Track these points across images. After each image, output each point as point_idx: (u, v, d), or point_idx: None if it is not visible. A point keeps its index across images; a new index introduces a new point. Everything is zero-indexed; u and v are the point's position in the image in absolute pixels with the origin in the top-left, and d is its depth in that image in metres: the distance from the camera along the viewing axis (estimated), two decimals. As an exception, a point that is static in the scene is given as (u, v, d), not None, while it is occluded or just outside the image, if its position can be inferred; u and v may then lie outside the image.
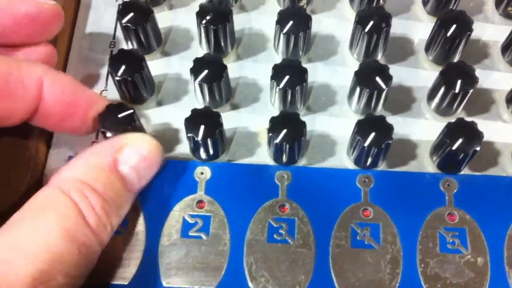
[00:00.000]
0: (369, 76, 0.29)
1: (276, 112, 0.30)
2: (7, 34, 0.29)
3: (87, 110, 0.28)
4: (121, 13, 0.31)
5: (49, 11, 0.29)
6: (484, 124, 0.28)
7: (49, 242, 0.23)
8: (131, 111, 0.28)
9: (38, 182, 0.30)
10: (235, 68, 0.33)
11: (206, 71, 0.29)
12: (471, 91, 0.29)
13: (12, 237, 0.23)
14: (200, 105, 0.31)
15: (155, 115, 0.32)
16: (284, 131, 0.27)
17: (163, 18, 0.34)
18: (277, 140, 0.27)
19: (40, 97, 0.27)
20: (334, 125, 0.31)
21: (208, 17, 0.31)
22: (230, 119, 0.31)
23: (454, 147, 0.27)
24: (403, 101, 0.32)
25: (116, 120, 0.28)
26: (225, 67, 0.29)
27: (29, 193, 0.25)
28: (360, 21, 0.30)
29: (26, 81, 0.27)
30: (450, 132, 0.27)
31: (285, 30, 0.30)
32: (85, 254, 0.24)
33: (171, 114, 0.32)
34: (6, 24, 0.28)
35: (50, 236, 0.23)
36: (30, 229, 0.23)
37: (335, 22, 0.34)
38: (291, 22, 0.30)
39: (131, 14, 0.31)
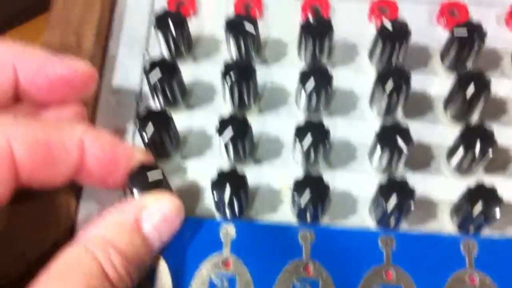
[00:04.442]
0: (390, 137, 0.29)
1: (298, 168, 0.31)
2: (40, 95, 0.30)
3: (127, 165, 0.29)
4: (148, 71, 0.32)
5: (84, 75, 0.30)
6: (503, 183, 0.29)
7: None
8: (161, 177, 0.29)
9: (69, 235, 0.31)
10: (257, 122, 0.33)
11: (231, 131, 0.30)
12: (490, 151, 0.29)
13: None
14: (224, 160, 0.32)
15: (180, 170, 0.33)
16: (308, 194, 0.28)
17: (187, 69, 0.35)
18: (302, 204, 0.28)
19: (82, 159, 0.28)
20: (356, 182, 0.32)
21: (232, 75, 0.32)
22: (253, 174, 0.32)
23: (474, 215, 0.27)
24: (422, 158, 0.32)
25: (146, 183, 0.29)
26: (249, 127, 0.30)
27: (60, 246, 0.26)
28: (381, 81, 0.31)
29: (67, 145, 0.27)
30: (470, 197, 0.28)
31: (307, 91, 0.31)
32: None
33: (196, 169, 0.33)
34: (41, 85, 0.29)
35: None
36: None
37: (355, 76, 0.35)
38: (313, 83, 0.31)
39: (158, 73, 0.32)
